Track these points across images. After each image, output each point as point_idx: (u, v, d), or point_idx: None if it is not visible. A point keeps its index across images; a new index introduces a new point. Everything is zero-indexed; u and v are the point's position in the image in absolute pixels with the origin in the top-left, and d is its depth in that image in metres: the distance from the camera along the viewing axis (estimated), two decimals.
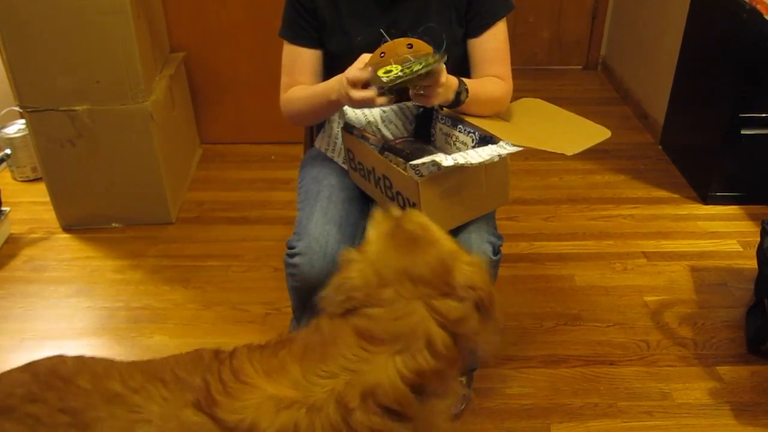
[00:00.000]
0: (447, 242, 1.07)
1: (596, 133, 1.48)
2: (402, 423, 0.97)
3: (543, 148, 1.41)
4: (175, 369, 0.99)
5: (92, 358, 1.04)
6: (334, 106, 1.47)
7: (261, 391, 0.96)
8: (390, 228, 1.08)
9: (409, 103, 1.61)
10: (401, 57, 1.31)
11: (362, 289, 1.01)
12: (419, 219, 1.11)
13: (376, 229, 1.10)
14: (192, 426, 0.93)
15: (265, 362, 1.00)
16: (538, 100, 1.66)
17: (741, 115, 2.49)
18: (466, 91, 1.47)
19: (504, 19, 1.56)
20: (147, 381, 0.97)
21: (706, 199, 2.69)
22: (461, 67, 1.60)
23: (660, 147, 3.13)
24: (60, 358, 1.02)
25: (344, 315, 1.01)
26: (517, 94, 1.66)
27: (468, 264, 1.03)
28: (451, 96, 1.45)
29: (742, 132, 2.51)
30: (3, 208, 2.53)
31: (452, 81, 1.43)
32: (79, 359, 1.02)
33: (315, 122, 1.69)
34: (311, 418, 0.94)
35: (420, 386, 0.97)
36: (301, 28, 1.55)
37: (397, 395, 0.96)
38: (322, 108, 1.51)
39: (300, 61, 1.58)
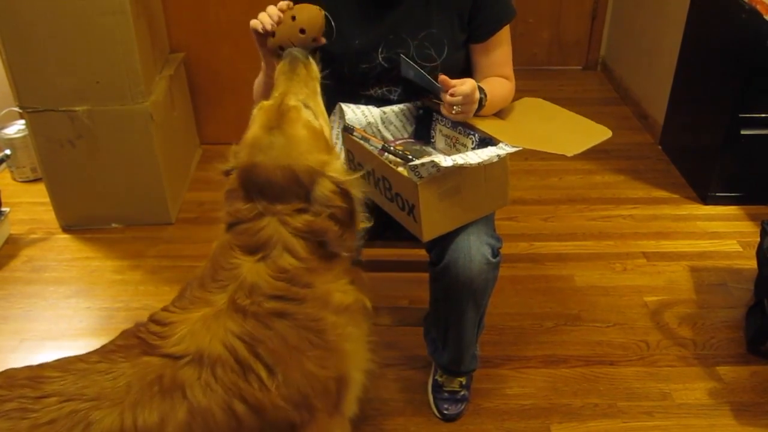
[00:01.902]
0: (316, 154, 1.14)
1: (597, 133, 1.47)
2: (294, 302, 1.13)
3: (543, 149, 1.41)
4: (114, 342, 1.13)
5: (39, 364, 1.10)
6: (266, 65, 1.47)
7: (186, 321, 1.11)
8: (269, 123, 1.16)
9: (409, 105, 1.61)
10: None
11: (233, 206, 1.16)
12: (301, 118, 1.17)
13: (258, 120, 1.18)
14: (157, 365, 1.06)
15: (178, 304, 1.16)
16: (539, 99, 1.65)
17: (741, 115, 2.49)
18: (485, 96, 1.46)
19: (507, 24, 1.57)
20: (101, 355, 1.08)
21: (705, 200, 2.69)
22: (464, 70, 1.61)
23: (660, 147, 3.13)
24: (10, 369, 1.08)
25: (228, 230, 1.18)
26: (517, 94, 1.66)
27: (330, 179, 1.13)
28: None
29: (742, 132, 2.51)
30: (3, 209, 2.53)
31: (474, 87, 1.41)
32: (28, 367, 1.08)
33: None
34: (234, 320, 1.10)
35: (294, 278, 1.13)
36: None
37: (274, 288, 1.12)
38: (264, 76, 1.51)
39: None
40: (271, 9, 1.36)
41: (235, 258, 1.13)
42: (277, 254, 1.12)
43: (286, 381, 1.11)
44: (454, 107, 1.39)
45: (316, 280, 1.15)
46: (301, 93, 1.23)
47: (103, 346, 1.12)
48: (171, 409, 1.03)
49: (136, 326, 1.14)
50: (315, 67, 1.30)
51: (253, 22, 1.36)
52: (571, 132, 1.51)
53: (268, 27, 1.34)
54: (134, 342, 1.10)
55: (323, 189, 1.12)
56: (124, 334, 1.14)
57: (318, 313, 1.15)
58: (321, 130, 1.20)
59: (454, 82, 1.38)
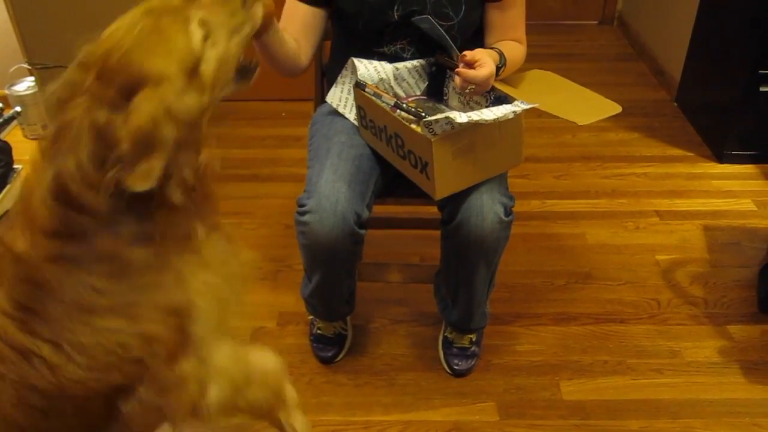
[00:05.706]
0: (162, 62, 0.91)
1: (607, 107, 1.47)
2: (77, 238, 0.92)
3: (556, 114, 1.40)
4: None
5: None
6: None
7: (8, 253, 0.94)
8: (150, 14, 0.96)
9: (422, 61, 1.58)
10: None
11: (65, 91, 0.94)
12: (183, 24, 0.94)
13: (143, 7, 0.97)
14: None
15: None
16: (549, 72, 1.63)
17: (760, 71, 2.43)
18: (504, 64, 1.46)
19: None
20: None
21: (721, 158, 2.65)
22: (478, 30, 1.58)
23: (675, 104, 3.08)
24: None
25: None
26: (531, 50, 1.63)
27: (161, 101, 0.88)
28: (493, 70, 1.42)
29: (761, 89, 2.46)
30: (15, 166, 2.54)
31: (492, 56, 1.41)
32: None
33: (278, 68, 1.51)
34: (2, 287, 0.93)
35: (74, 200, 0.93)
36: None
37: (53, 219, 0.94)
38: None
39: (295, 13, 1.53)
40: None
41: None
42: (66, 154, 0.89)
43: (77, 350, 0.92)
44: (468, 87, 1.39)
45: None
46: (213, 15, 0.97)
47: None
48: None
49: None
50: (259, 9, 1.06)
51: None
52: (581, 103, 1.51)
53: None
54: None
55: (143, 103, 0.87)
56: None
57: (112, 246, 0.92)
58: (195, 50, 0.94)
59: (476, 57, 1.37)
